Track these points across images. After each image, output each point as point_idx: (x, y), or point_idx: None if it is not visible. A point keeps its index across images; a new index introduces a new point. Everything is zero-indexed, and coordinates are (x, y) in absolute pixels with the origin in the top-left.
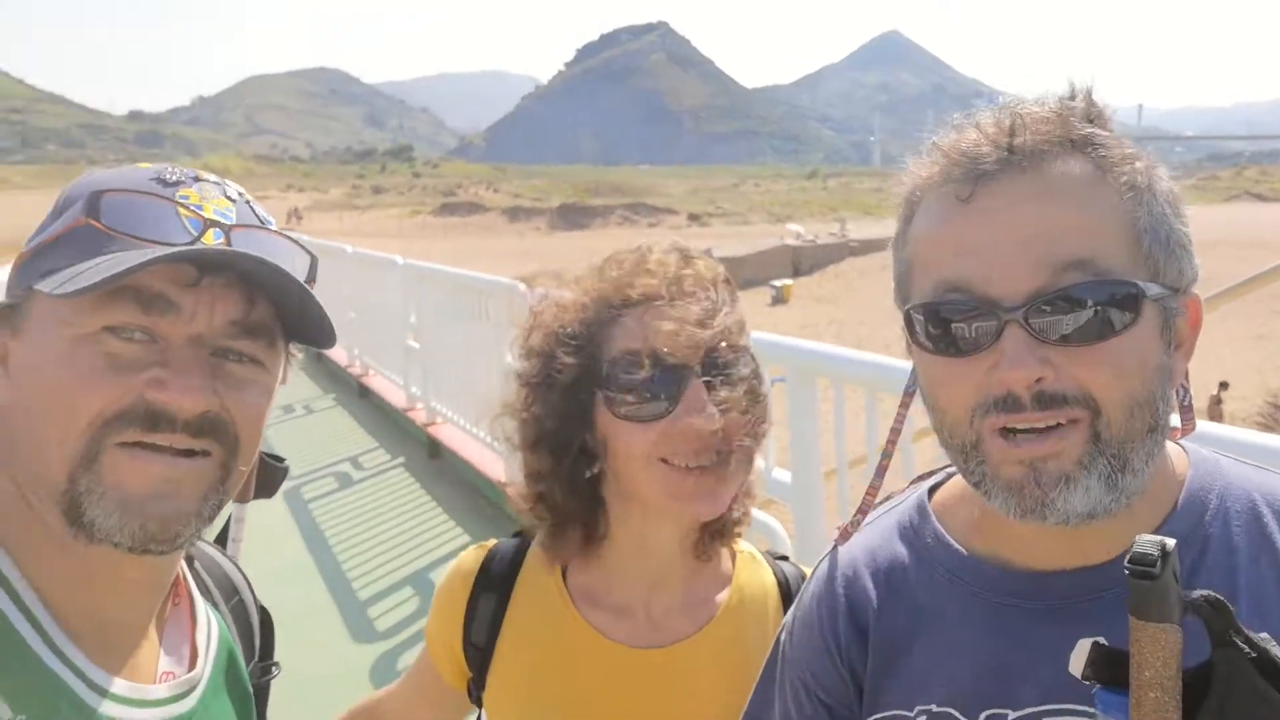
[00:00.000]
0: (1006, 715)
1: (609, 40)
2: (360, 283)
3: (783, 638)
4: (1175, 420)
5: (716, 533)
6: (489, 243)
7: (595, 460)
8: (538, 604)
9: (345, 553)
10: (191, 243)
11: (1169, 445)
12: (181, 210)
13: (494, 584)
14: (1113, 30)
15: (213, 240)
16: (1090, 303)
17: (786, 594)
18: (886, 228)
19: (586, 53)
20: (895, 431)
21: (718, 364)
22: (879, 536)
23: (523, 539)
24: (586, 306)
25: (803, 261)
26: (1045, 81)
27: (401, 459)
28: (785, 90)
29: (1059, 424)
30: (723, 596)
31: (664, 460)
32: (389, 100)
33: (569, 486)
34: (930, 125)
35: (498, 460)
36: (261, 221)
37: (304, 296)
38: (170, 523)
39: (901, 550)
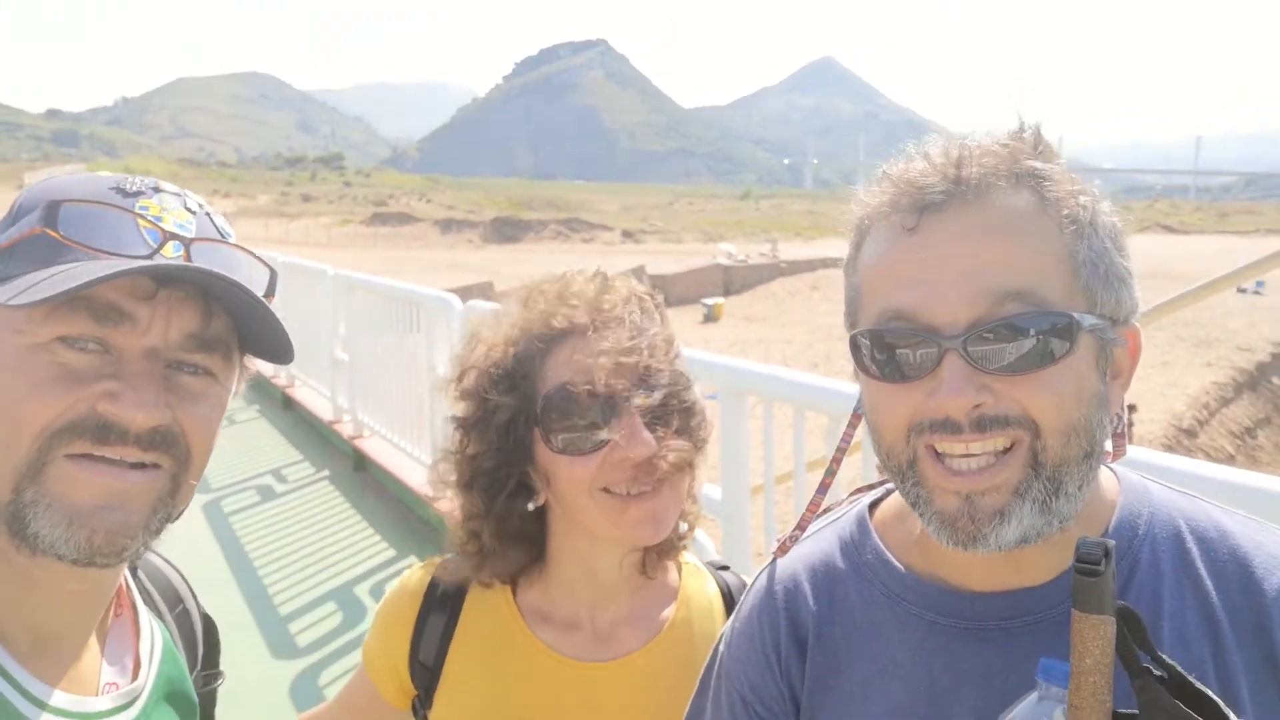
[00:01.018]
0: None
1: (548, 55)
2: (289, 292)
3: (720, 648)
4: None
5: (661, 552)
6: (420, 254)
7: (533, 494)
8: (487, 622)
9: (266, 567)
10: (150, 255)
11: (1101, 469)
12: (140, 222)
13: (443, 602)
14: (1038, 66)
15: (171, 253)
16: (1028, 332)
17: (729, 603)
18: (816, 249)
19: (525, 67)
20: (841, 450)
21: (650, 387)
22: (819, 550)
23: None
24: (514, 342)
25: (734, 281)
26: (972, 112)
27: (326, 472)
28: (721, 111)
29: (999, 453)
30: (669, 609)
31: (605, 489)
32: (321, 107)
33: (500, 525)
34: (862, 150)
35: (424, 472)
36: (222, 234)
37: (262, 311)
38: (117, 535)
39: (841, 565)
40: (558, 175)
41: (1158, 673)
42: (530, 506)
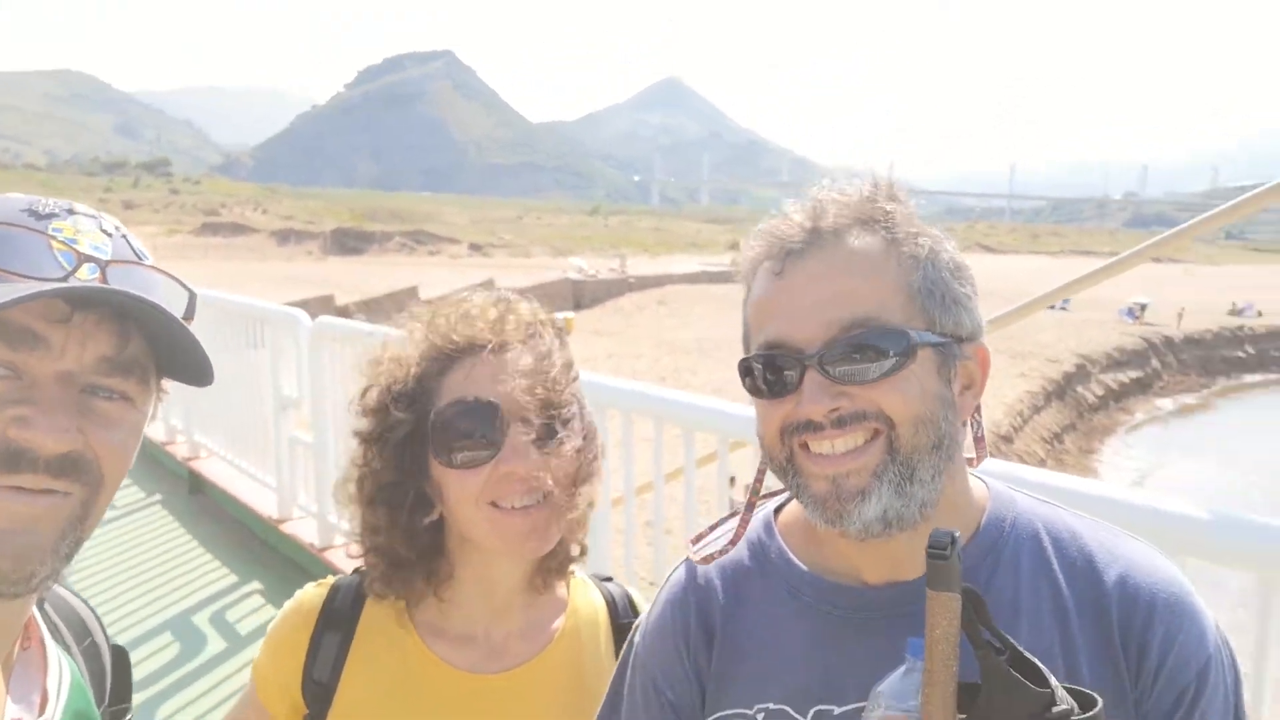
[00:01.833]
0: (832, 711)
1: (392, 65)
2: None
3: (636, 640)
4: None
5: (553, 568)
6: (256, 266)
7: (433, 507)
8: (383, 638)
9: (96, 598)
10: (64, 278)
11: (974, 481)
12: (54, 244)
13: (338, 621)
14: (867, 94)
15: (87, 275)
16: (871, 348)
17: (614, 613)
18: (663, 265)
19: (368, 76)
20: (761, 470)
21: (543, 407)
22: (728, 554)
23: (363, 576)
24: (417, 361)
25: (584, 295)
26: (811, 137)
27: (159, 496)
28: (570, 127)
29: (861, 445)
30: (559, 621)
31: (493, 503)
32: (145, 109)
33: (408, 537)
34: (707, 169)
35: (268, 494)
36: (138, 256)
37: (180, 333)
38: (24, 561)
39: (749, 564)
40: (403, 186)
41: (997, 645)
42: (427, 520)
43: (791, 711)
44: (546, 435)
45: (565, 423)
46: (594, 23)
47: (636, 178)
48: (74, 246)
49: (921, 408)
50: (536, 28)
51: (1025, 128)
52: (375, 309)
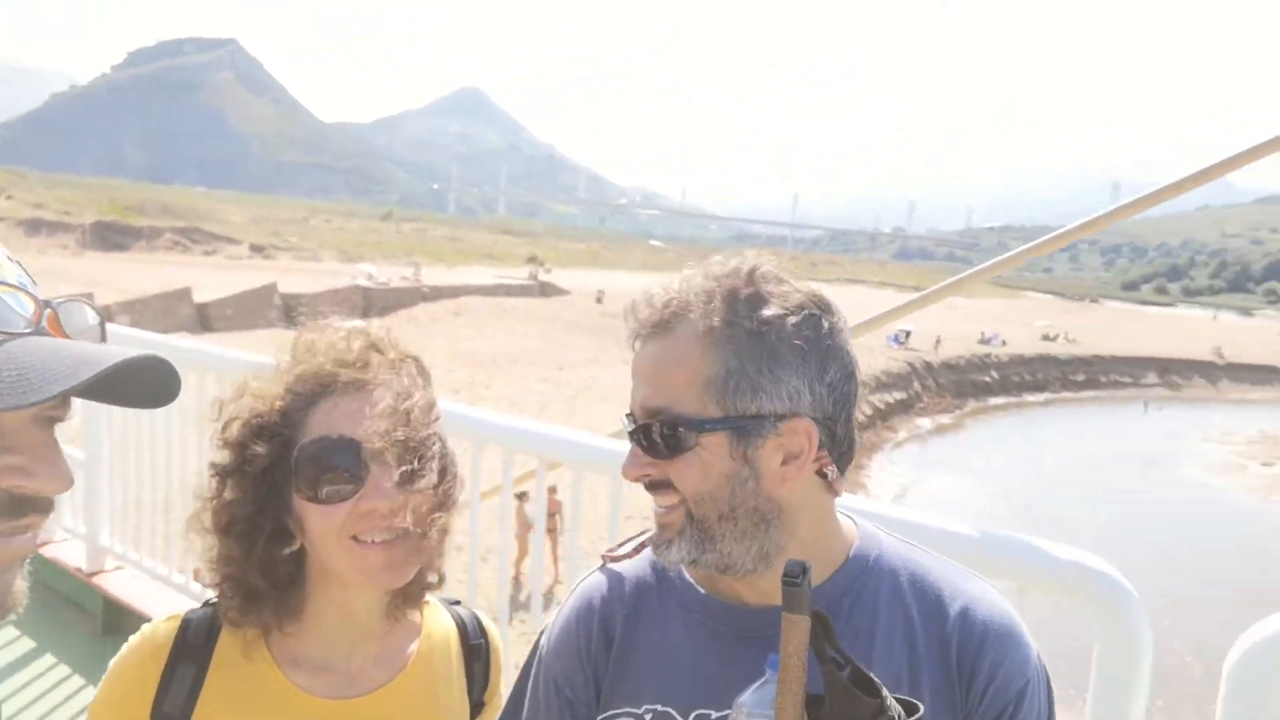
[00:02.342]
0: (710, 715)
1: (169, 49)
2: None
3: (541, 641)
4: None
5: (410, 596)
6: None
7: (292, 539)
8: (239, 669)
9: None
10: (33, 329)
11: (845, 522)
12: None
13: (192, 653)
14: (666, 118)
15: (41, 320)
16: (661, 433)
17: (465, 636)
18: (460, 276)
19: (140, 58)
20: None
21: (404, 445)
22: (635, 567)
23: (215, 607)
24: (281, 395)
25: (374, 303)
26: (609, 156)
27: None
28: (364, 129)
29: (674, 503)
30: (414, 645)
31: (354, 538)
32: None
33: (263, 568)
34: (504, 180)
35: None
36: (32, 281)
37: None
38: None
39: (651, 580)
40: (176, 179)
41: (839, 661)
42: (286, 551)
43: (675, 714)
44: (407, 473)
45: (424, 459)
46: (390, 25)
47: (436, 185)
48: (25, 289)
49: (704, 485)
50: (329, 24)
51: (808, 160)
52: (142, 311)
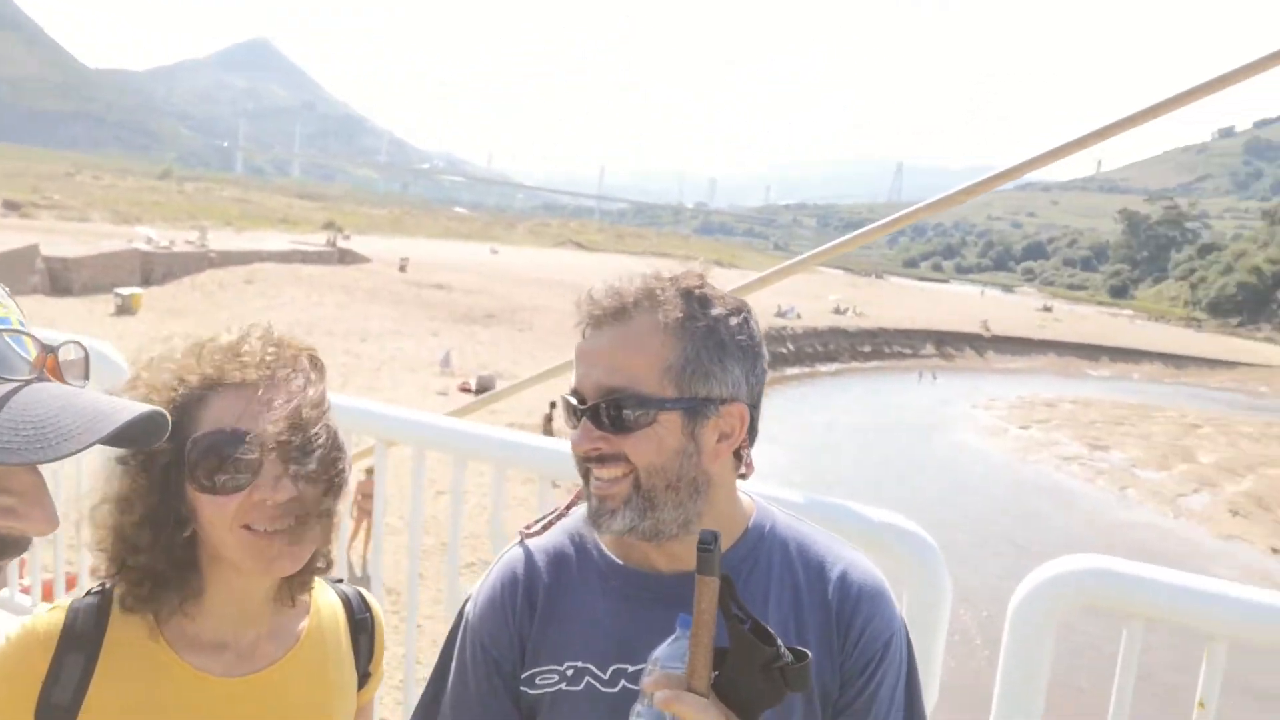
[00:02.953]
0: (626, 668)
1: None
2: None
3: (468, 609)
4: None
5: (301, 583)
6: None
7: (187, 526)
8: (131, 653)
9: None
10: (37, 375)
11: (744, 499)
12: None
13: (81, 642)
14: (470, 82)
15: (43, 365)
16: (620, 409)
17: (350, 610)
18: (251, 241)
19: None
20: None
21: (295, 436)
22: (554, 540)
23: (102, 595)
24: (174, 388)
25: (155, 269)
26: (414, 119)
27: None
28: (138, 78)
29: (616, 477)
30: (304, 622)
31: (246, 527)
32: None
33: (168, 555)
34: (299, 140)
35: None
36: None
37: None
38: None
39: (570, 551)
40: None
41: (741, 617)
42: (184, 536)
43: (594, 669)
44: (297, 463)
45: (313, 450)
46: None
47: (225, 143)
48: (25, 330)
49: (658, 458)
50: None
51: (614, 132)
52: None
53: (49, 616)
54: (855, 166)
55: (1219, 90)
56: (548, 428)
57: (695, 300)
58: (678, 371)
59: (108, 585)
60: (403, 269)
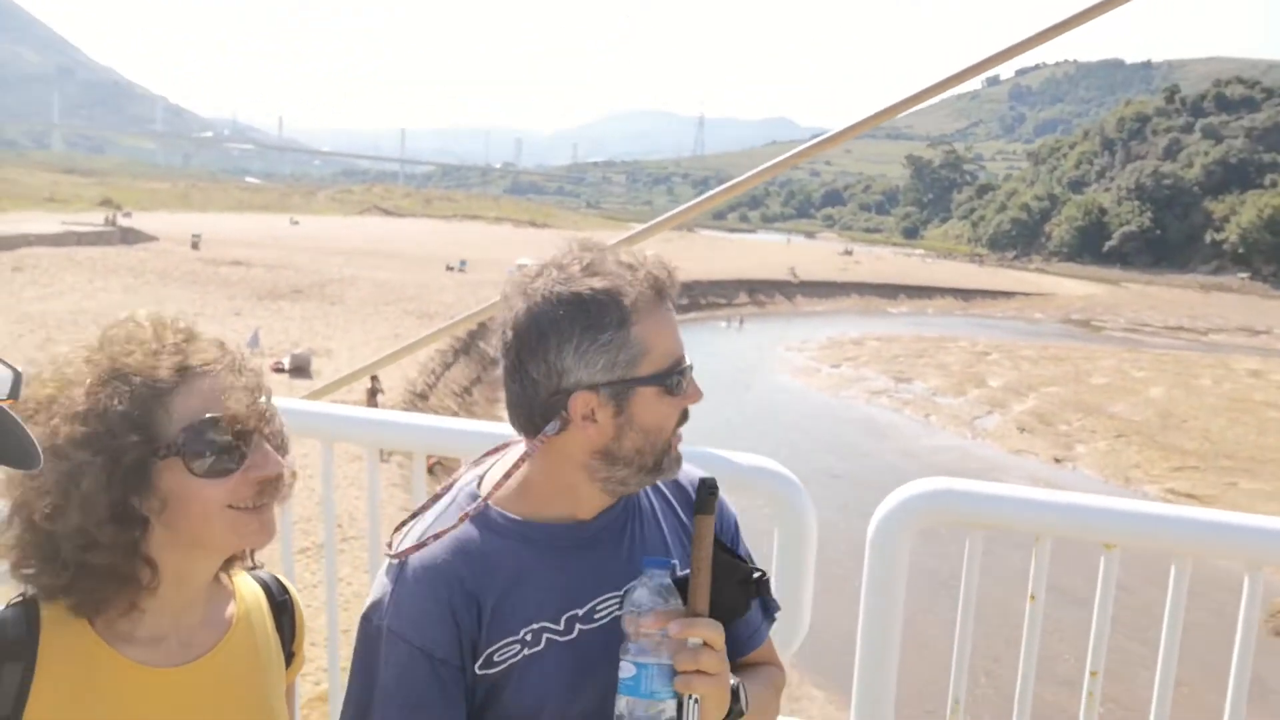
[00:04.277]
0: (577, 613)
1: None
2: None
3: (379, 621)
4: None
5: (237, 558)
6: None
7: (148, 520)
8: (70, 657)
9: None
10: (9, 395)
11: None
12: None
13: (16, 650)
14: (255, 49)
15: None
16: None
17: (270, 594)
18: (15, 223)
19: None
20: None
21: (267, 419)
22: (458, 535)
23: (25, 603)
24: (139, 383)
25: None
26: (192, 84)
27: None
28: None
29: None
30: (231, 608)
31: (230, 506)
32: None
33: (126, 553)
34: (58, 110)
35: None
36: None
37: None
38: None
39: (476, 533)
40: None
41: (725, 549)
42: (144, 530)
43: (550, 625)
44: (276, 438)
45: (273, 421)
46: None
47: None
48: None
49: None
50: None
51: (411, 90)
52: None
53: None
54: (655, 120)
55: (1038, 45)
56: (372, 401)
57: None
58: None
59: (27, 593)
60: (195, 246)
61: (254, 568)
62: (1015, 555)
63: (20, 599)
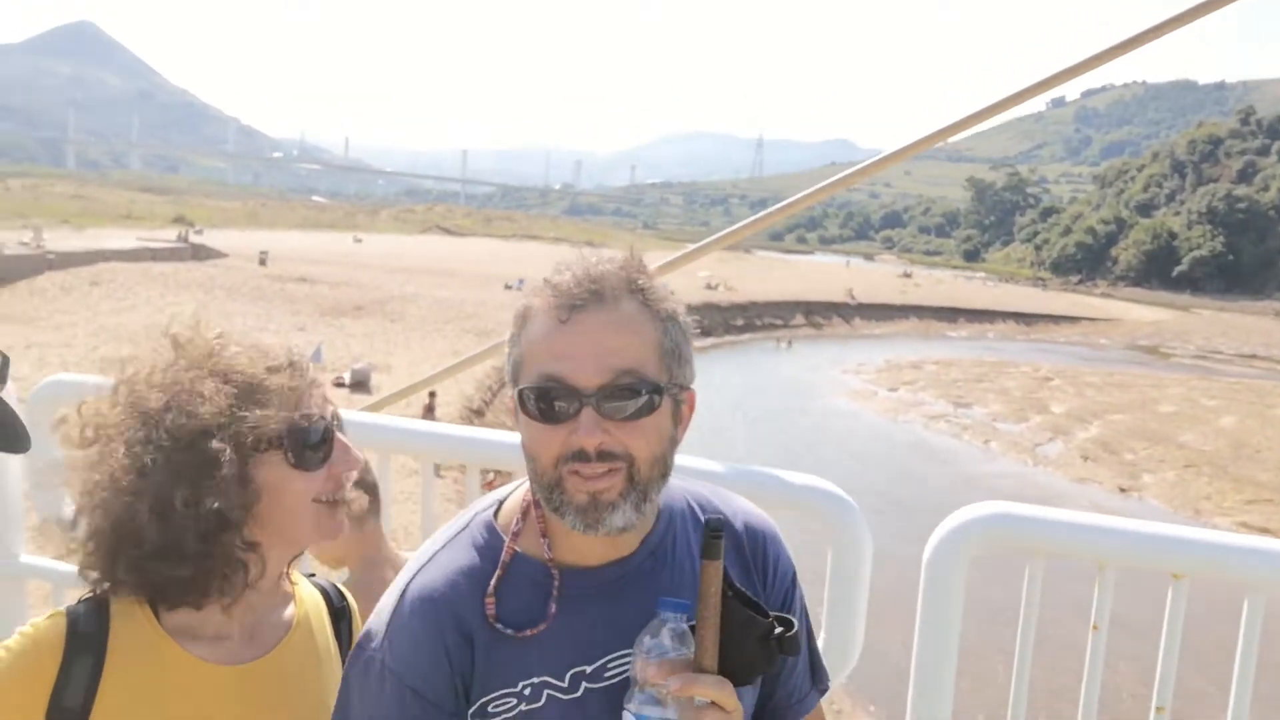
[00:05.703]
0: (585, 670)
1: None
2: None
3: (374, 655)
4: None
5: (296, 559)
6: None
7: (244, 512)
8: (137, 651)
9: None
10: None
11: None
12: None
13: (88, 645)
14: (323, 63)
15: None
16: (639, 393)
17: (330, 600)
18: (93, 240)
19: None
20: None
21: (340, 422)
22: (461, 561)
23: (96, 600)
24: (232, 377)
25: None
26: (262, 106)
27: None
28: None
29: (610, 469)
30: (292, 610)
31: (316, 500)
32: None
33: (239, 543)
34: (137, 131)
35: None
36: None
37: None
38: None
39: (485, 565)
40: None
41: (738, 596)
42: (244, 525)
43: (552, 680)
44: (343, 434)
45: (339, 422)
46: None
47: (42, 135)
48: None
49: (658, 448)
50: None
51: (474, 111)
52: None
53: (49, 623)
54: (713, 142)
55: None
56: (428, 417)
57: (652, 289)
58: (668, 356)
59: (98, 590)
60: (263, 263)
61: (311, 575)
62: (1071, 586)
63: (90, 595)
